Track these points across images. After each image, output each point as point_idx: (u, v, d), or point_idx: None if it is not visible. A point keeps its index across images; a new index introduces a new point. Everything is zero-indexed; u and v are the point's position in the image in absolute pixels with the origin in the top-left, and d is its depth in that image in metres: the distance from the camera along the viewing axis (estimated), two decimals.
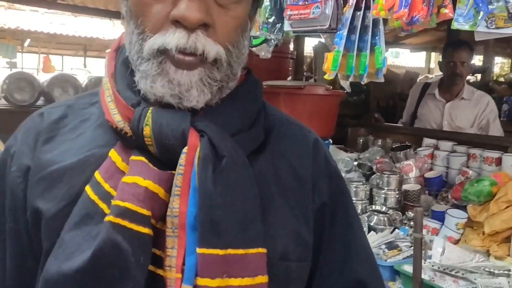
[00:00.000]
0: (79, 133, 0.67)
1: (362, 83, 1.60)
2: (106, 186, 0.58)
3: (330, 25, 1.62)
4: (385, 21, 1.54)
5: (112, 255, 0.54)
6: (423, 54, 6.86)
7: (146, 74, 0.60)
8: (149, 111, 0.59)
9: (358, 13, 1.52)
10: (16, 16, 7.68)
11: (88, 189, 0.58)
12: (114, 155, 0.61)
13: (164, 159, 0.60)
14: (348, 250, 0.72)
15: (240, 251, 0.56)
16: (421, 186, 2.10)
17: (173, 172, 0.58)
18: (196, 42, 0.57)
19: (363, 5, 1.51)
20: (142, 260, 0.55)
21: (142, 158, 0.59)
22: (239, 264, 0.55)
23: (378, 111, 3.35)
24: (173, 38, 0.57)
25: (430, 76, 5.69)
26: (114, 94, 0.63)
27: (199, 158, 0.57)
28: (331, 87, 2.62)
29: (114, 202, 0.56)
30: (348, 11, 1.53)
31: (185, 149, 0.57)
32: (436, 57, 6.87)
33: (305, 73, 4.10)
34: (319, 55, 3.94)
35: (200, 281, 0.54)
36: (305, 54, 4.09)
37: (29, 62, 8.97)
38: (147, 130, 0.58)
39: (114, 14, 5.49)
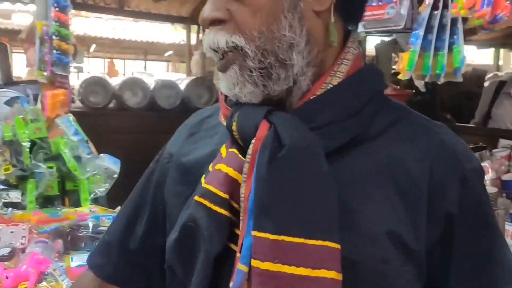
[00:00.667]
0: (215, 132, 0.75)
1: (439, 83, 1.58)
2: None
3: (405, 25, 1.61)
4: (464, 19, 1.52)
5: (192, 228, 0.62)
6: (491, 50, 6.56)
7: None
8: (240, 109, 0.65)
9: (436, 12, 1.51)
10: (83, 23, 8.10)
11: (202, 178, 0.66)
12: (223, 149, 0.67)
13: (247, 150, 0.63)
14: (487, 267, 0.63)
15: (296, 239, 0.55)
16: (498, 189, 2.03)
17: None
18: (208, 37, 0.63)
19: (440, 4, 1.50)
20: (215, 236, 0.61)
21: (235, 150, 0.64)
22: (295, 252, 0.55)
23: (447, 111, 3.26)
24: (204, 42, 0.65)
25: (500, 73, 5.43)
26: (219, 97, 0.70)
27: (260, 146, 0.60)
28: (397, 86, 2.60)
29: (202, 184, 0.64)
30: (425, 11, 1.52)
31: (253, 139, 0.61)
32: (505, 54, 6.55)
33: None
34: (382, 54, 3.88)
35: (253, 262, 0.56)
36: (366, 53, 4.04)
37: (95, 67, 9.44)
38: (234, 125, 0.63)
39: (176, 19, 5.71)
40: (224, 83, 0.64)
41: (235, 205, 0.62)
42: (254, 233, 0.57)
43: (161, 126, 3.76)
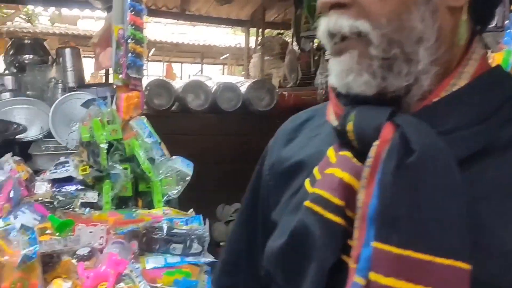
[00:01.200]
0: (317, 133, 0.72)
1: None
2: (318, 178, 0.62)
3: (496, 24, 1.50)
4: None
5: (302, 236, 0.58)
6: None
7: (329, 69, 0.63)
8: (356, 109, 0.60)
9: None
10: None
11: (306, 181, 0.63)
12: (330, 151, 0.63)
13: (365, 153, 0.58)
14: None
15: (424, 256, 0.51)
16: None
17: None
18: (329, 22, 0.59)
19: None
20: (329, 246, 0.57)
21: (347, 153, 0.60)
22: (422, 270, 0.51)
23: None
24: (320, 27, 0.61)
25: None
26: (331, 95, 0.67)
27: (387, 150, 0.54)
28: None
29: (313, 189, 0.60)
30: None
31: (376, 142, 0.56)
32: None
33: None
34: None
35: (372, 275, 0.52)
36: None
37: (153, 70, 9.72)
38: (349, 126, 0.59)
39: (236, 22, 5.76)
40: (335, 71, 0.60)
41: (349, 213, 0.58)
42: (375, 244, 0.52)
43: (223, 128, 3.81)
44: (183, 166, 1.75)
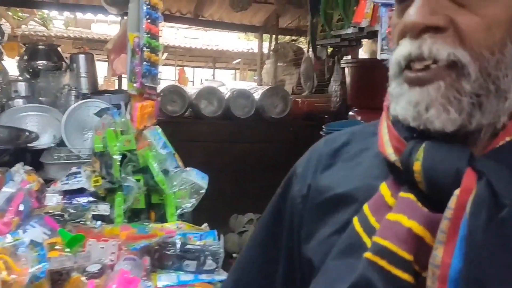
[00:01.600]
0: (358, 161, 0.66)
1: None
2: (372, 220, 0.55)
3: None
4: None
5: None
6: None
7: (392, 96, 0.55)
8: (423, 145, 0.53)
9: None
10: None
11: (355, 220, 0.57)
12: (384, 188, 0.57)
13: (435, 199, 0.52)
14: None
15: None
16: None
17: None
18: (421, 46, 0.50)
19: None
20: None
21: (411, 196, 0.53)
22: None
23: None
24: (401, 48, 0.52)
25: None
26: (388, 126, 0.59)
27: (472, 202, 0.48)
28: None
29: (374, 238, 0.52)
30: None
31: (457, 191, 0.49)
32: None
33: None
34: None
35: None
36: None
37: (166, 74, 9.74)
38: (417, 165, 0.52)
39: (249, 28, 5.73)
40: (410, 101, 0.52)
41: (416, 268, 0.51)
42: None
43: (236, 135, 3.78)
44: (198, 179, 1.70)
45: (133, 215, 1.70)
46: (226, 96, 3.68)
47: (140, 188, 1.64)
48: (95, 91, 2.59)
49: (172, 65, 9.46)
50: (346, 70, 3.05)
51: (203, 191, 1.68)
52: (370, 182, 0.60)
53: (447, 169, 0.50)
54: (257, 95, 3.77)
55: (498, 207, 0.47)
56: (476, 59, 0.50)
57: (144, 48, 1.77)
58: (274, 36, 5.39)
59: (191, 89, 3.79)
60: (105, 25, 8.66)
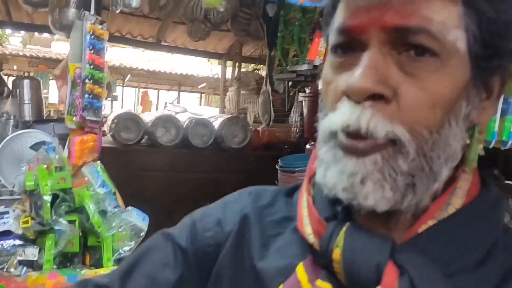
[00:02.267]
0: (279, 231, 0.60)
1: (502, 148, 1.38)
2: None
3: None
4: None
5: None
6: None
7: (321, 161, 0.49)
8: (343, 229, 0.49)
9: None
10: (119, 54, 8.26)
11: None
12: (301, 271, 0.52)
13: None
14: None
15: None
16: None
17: None
18: (360, 117, 0.45)
19: None
20: None
21: (329, 286, 0.49)
22: None
23: (489, 164, 2.99)
24: (339, 115, 0.47)
25: None
26: (308, 202, 0.55)
27: None
28: None
29: None
30: None
31: None
32: None
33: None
34: None
35: None
36: None
37: (128, 96, 9.57)
38: (336, 254, 0.47)
39: (212, 55, 5.70)
40: (343, 170, 0.47)
41: None
42: None
43: (194, 164, 3.67)
44: (138, 220, 1.60)
45: (66, 260, 1.57)
46: (184, 125, 3.59)
47: (73, 231, 1.52)
48: (39, 120, 2.45)
49: (136, 86, 9.31)
50: (303, 102, 3.03)
51: (143, 233, 1.58)
52: (289, 261, 0.54)
53: (368, 262, 0.46)
54: (216, 124, 3.70)
55: None
56: (415, 138, 0.46)
57: (86, 80, 1.67)
58: (237, 63, 5.38)
59: (148, 116, 3.68)
60: (66, 44, 8.46)
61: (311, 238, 0.51)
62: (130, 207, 1.67)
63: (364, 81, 0.45)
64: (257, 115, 4.89)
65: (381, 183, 0.46)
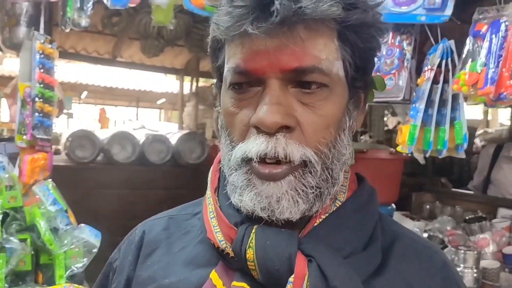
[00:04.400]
0: (181, 247, 0.65)
1: (439, 157, 1.51)
2: None
3: (404, 96, 1.56)
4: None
5: None
6: (480, 106, 6.66)
7: (235, 186, 0.57)
8: (253, 230, 0.56)
9: (436, 86, 1.46)
10: (75, 70, 8.11)
11: None
12: (215, 277, 0.57)
13: (270, 286, 0.55)
14: None
15: None
16: (500, 264, 1.92)
17: None
18: (276, 146, 0.53)
19: (441, 79, 1.45)
20: None
21: (245, 285, 0.55)
22: None
23: (439, 173, 3.19)
24: (254, 145, 0.54)
25: (490, 130, 5.45)
26: (217, 211, 0.61)
27: None
28: (393, 149, 2.53)
29: None
30: (425, 84, 1.47)
31: (291, 278, 0.52)
32: (493, 110, 6.62)
33: (359, 129, 4.00)
34: (375, 110, 3.87)
35: None
36: None
37: (86, 113, 9.40)
38: (250, 253, 0.54)
39: (169, 70, 5.72)
40: (260, 193, 0.54)
41: None
42: None
43: (152, 181, 3.67)
44: (91, 236, 1.62)
45: (18, 278, 1.56)
46: (141, 141, 3.60)
47: (25, 250, 1.53)
48: None
49: (93, 103, 9.16)
50: None
51: (95, 250, 1.60)
52: (198, 271, 0.60)
53: (280, 255, 0.53)
54: (174, 140, 3.73)
55: None
56: (320, 157, 0.55)
57: (36, 99, 1.69)
58: (195, 78, 5.43)
59: (104, 133, 3.66)
60: (19, 62, 8.23)
61: (223, 244, 0.57)
62: (82, 224, 1.68)
63: (272, 116, 0.53)
64: (215, 130, 4.95)
65: (295, 199, 0.54)
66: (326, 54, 0.54)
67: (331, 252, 0.54)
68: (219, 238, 0.58)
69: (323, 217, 0.58)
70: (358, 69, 0.58)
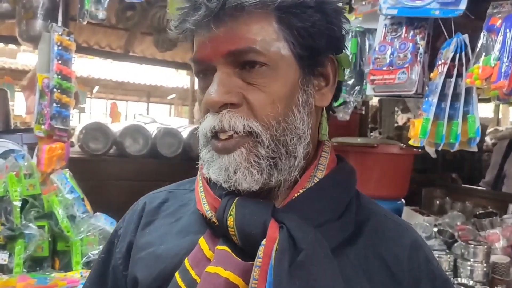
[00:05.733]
0: (178, 217, 0.72)
1: (452, 150, 1.52)
2: (193, 274, 0.61)
3: (416, 90, 1.57)
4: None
5: None
6: (490, 104, 6.62)
7: (204, 161, 0.65)
8: (234, 201, 0.62)
9: (450, 80, 1.46)
10: (87, 64, 8.19)
11: (177, 275, 0.62)
12: (202, 242, 0.64)
13: (247, 249, 0.61)
14: None
15: None
16: (510, 258, 1.93)
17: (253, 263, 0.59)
18: (222, 120, 0.60)
19: (454, 73, 1.45)
20: None
21: (226, 248, 0.61)
22: None
23: (449, 169, 3.18)
24: (206, 122, 0.62)
25: (500, 128, 5.42)
26: (204, 185, 0.68)
27: (277, 250, 0.57)
28: (403, 144, 2.53)
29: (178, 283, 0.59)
30: (439, 78, 1.48)
31: (263, 241, 0.58)
32: (504, 108, 6.57)
33: (369, 125, 4.00)
34: (385, 106, 3.87)
35: None
36: (370, 105, 4.02)
37: (97, 108, 9.49)
38: (230, 220, 0.60)
39: (181, 65, 5.76)
40: (220, 166, 0.61)
41: None
42: None
43: (163, 174, 3.69)
44: (106, 224, 1.65)
45: (35, 264, 1.61)
46: (153, 135, 3.64)
47: (43, 236, 1.57)
48: (7, 130, 2.47)
49: (104, 98, 9.25)
50: None
51: None
52: (190, 238, 0.66)
53: (256, 222, 0.59)
54: (185, 134, 3.76)
55: (297, 252, 0.56)
56: (267, 128, 0.61)
57: (54, 90, 1.73)
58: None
59: (116, 126, 3.70)
60: (32, 55, 8.34)
61: (209, 213, 0.64)
62: (98, 213, 1.72)
63: (215, 96, 0.60)
64: None
65: (249, 169, 0.61)
66: (263, 36, 0.60)
67: (301, 221, 0.60)
68: (206, 208, 0.65)
69: (301, 191, 0.63)
70: (306, 47, 0.63)
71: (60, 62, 1.74)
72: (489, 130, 5.10)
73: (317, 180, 0.65)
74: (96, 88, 8.96)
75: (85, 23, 1.78)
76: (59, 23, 1.84)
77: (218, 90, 0.60)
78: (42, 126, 1.75)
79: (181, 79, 8.51)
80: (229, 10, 0.59)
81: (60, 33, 1.80)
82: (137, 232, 0.72)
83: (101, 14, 1.75)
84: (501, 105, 6.79)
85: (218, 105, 0.60)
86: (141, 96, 9.88)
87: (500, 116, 6.97)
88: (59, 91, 1.74)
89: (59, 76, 1.74)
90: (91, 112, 9.33)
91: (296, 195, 0.63)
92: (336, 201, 0.65)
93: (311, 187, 0.64)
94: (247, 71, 0.61)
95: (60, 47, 1.75)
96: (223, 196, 0.64)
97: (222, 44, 0.60)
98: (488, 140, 4.64)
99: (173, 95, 9.55)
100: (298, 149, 0.63)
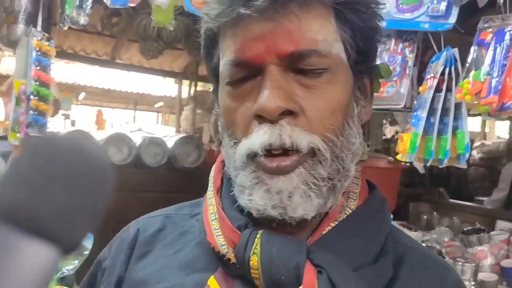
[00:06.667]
0: (178, 248, 0.60)
1: (440, 166, 1.48)
2: None
3: (405, 104, 1.54)
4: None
5: None
6: (477, 118, 6.67)
7: (243, 186, 0.52)
8: (258, 235, 0.51)
9: (439, 94, 1.43)
10: (73, 71, 8.08)
11: None
12: (213, 284, 0.52)
13: None
14: None
15: None
16: (498, 277, 1.90)
17: None
18: (281, 134, 0.49)
19: (444, 87, 1.42)
20: None
21: None
22: None
23: (439, 184, 3.17)
24: (257, 137, 0.50)
25: (487, 142, 5.45)
26: (219, 213, 0.56)
27: None
28: (391, 158, 2.50)
29: None
30: (428, 92, 1.44)
31: None
32: (490, 122, 6.63)
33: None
34: (373, 119, 3.85)
35: None
36: None
37: (82, 115, 9.36)
38: (254, 260, 0.49)
39: (168, 73, 5.71)
40: (270, 189, 0.49)
41: None
42: None
43: (147, 184, 3.64)
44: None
45: None
46: (137, 144, 3.57)
47: None
48: None
49: (90, 105, 9.13)
50: None
51: (87, 252, 1.56)
52: (195, 276, 0.55)
53: (287, 264, 0.49)
54: (170, 143, 3.70)
55: None
56: (328, 144, 0.50)
57: (31, 97, 1.66)
58: (193, 82, 5.41)
59: (100, 135, 3.63)
60: None
61: (225, 249, 0.53)
62: None
63: (274, 100, 0.48)
64: (212, 134, 4.92)
65: (308, 193, 0.49)
66: (324, 36, 0.51)
67: (341, 264, 0.50)
68: (220, 242, 0.54)
69: (333, 224, 0.54)
70: (360, 51, 0.54)
71: (38, 68, 1.68)
72: (476, 144, 5.13)
73: (350, 211, 0.55)
74: (83, 94, 8.84)
75: (65, 28, 1.71)
76: (39, 28, 1.77)
77: (278, 94, 0.49)
78: (18, 134, 1.68)
79: (169, 87, 8.44)
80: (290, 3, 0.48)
81: (39, 38, 1.74)
82: (128, 266, 0.60)
83: (83, 20, 1.69)
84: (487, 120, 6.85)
85: (280, 111, 0.49)
86: (128, 103, 9.77)
87: (487, 130, 7.02)
88: (36, 98, 1.67)
89: (37, 83, 1.67)
90: (76, 119, 9.20)
91: (327, 229, 0.53)
92: (373, 238, 0.55)
93: (344, 219, 0.54)
94: (304, 74, 0.51)
95: (39, 53, 1.68)
96: (242, 228, 0.53)
97: (280, 43, 0.49)
98: (474, 154, 4.66)
99: (161, 103, 9.47)
100: (351, 168, 0.53)
